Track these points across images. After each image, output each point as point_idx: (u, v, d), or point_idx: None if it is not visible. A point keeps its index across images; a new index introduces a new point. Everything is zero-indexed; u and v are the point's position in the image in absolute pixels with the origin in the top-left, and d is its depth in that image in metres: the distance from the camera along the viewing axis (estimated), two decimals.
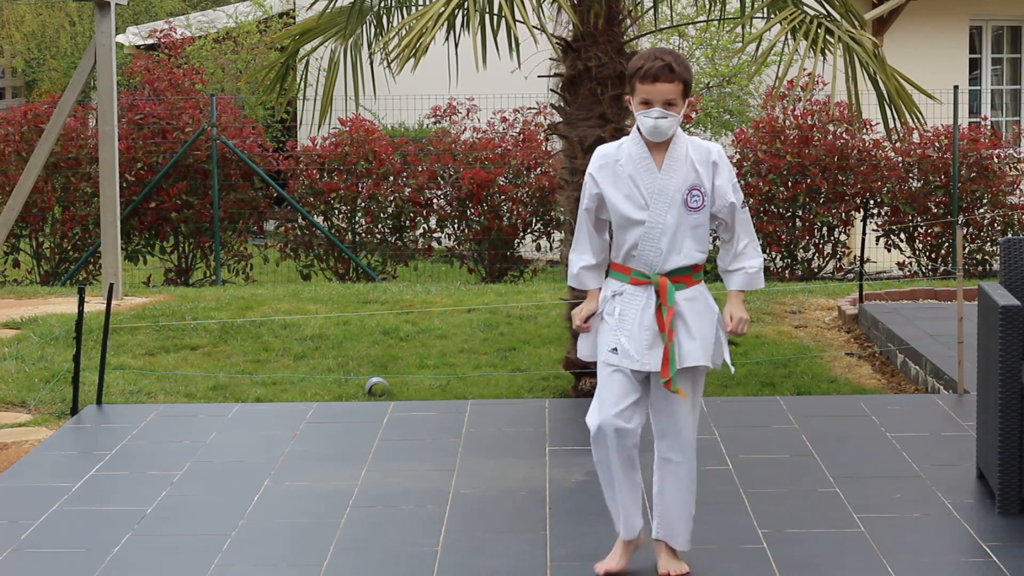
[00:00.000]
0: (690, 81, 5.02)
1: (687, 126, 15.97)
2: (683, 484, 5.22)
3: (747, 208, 5.17)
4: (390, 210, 14.80)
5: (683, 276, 5.10)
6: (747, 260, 5.16)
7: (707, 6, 9.05)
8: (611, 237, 5.21)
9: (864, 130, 13.97)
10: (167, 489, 6.44)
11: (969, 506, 6.02)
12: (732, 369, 5.30)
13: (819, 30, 7.76)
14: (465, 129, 15.17)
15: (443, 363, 9.43)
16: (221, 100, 15.36)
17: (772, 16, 8.34)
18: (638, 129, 5.06)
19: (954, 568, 5.36)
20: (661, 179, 5.04)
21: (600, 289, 5.22)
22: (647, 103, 4.99)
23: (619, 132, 8.19)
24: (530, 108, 14.42)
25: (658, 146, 5.06)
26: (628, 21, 8.54)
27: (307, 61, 8.99)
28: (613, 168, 5.10)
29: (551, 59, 8.35)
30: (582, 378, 8.36)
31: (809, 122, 14.49)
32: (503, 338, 10.11)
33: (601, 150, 5.16)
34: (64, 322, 10.26)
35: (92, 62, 11.79)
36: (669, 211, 5.04)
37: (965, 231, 14.45)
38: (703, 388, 5.26)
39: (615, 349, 5.09)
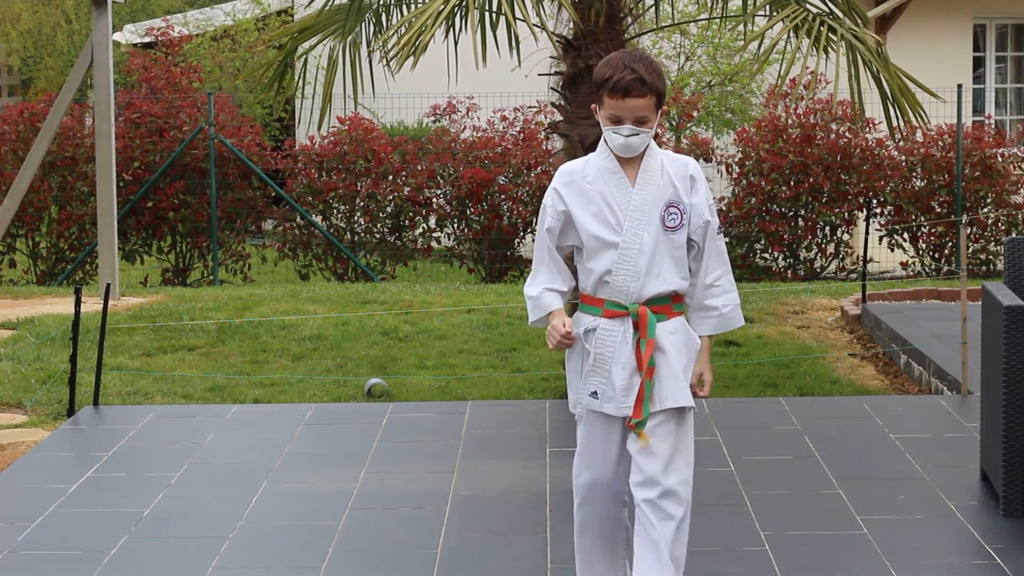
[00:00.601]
0: (664, 91, 4.51)
1: (689, 125, 15.92)
2: (670, 537, 4.52)
3: (723, 235, 4.62)
4: (389, 209, 14.77)
5: (663, 306, 4.53)
6: (720, 297, 4.59)
7: (709, 4, 9.01)
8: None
9: (867, 129, 13.93)
10: (164, 491, 6.40)
11: (973, 508, 5.98)
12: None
13: (822, 28, 7.72)
14: (465, 128, 15.13)
15: (443, 364, 9.39)
16: (219, 99, 15.32)
17: (774, 14, 8.30)
18: (606, 142, 4.57)
19: (957, 570, 5.32)
20: (636, 195, 4.51)
21: (562, 309, 4.61)
22: (616, 119, 4.48)
23: None
24: (530, 107, 14.38)
25: (630, 159, 4.55)
26: (629, 19, 8.49)
27: (305, 59, 8.95)
28: (580, 185, 4.55)
29: (552, 57, 8.31)
30: None
31: (812, 121, 14.46)
32: (503, 338, 10.07)
33: (566, 167, 4.64)
34: (61, 322, 10.22)
35: (89, 60, 11.75)
36: (646, 230, 4.50)
37: (969, 231, 14.41)
38: (692, 434, 4.60)
39: (595, 392, 4.55)
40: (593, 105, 4.58)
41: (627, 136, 4.48)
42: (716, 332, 4.61)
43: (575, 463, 4.71)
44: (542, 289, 4.61)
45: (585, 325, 4.58)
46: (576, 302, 4.67)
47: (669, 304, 4.55)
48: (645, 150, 4.55)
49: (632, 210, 4.51)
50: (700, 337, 4.61)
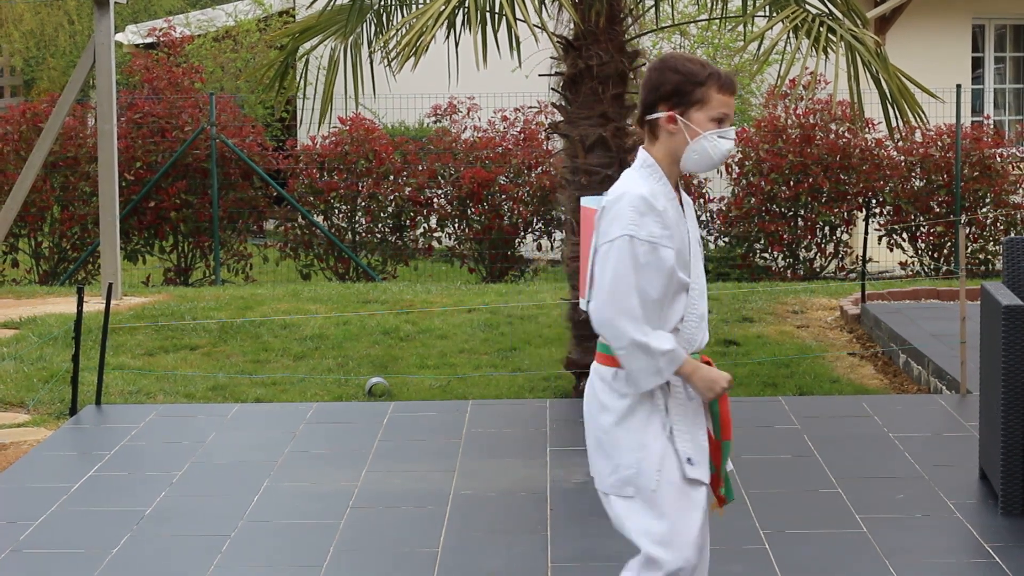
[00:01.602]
0: None
1: None
2: None
3: None
4: (390, 209, 14.78)
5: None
6: None
7: (708, 4, 9.02)
8: None
9: (866, 129, 13.94)
10: (166, 490, 6.42)
11: (972, 507, 6.00)
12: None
13: (821, 29, 7.74)
14: (466, 128, 15.15)
15: (443, 363, 9.41)
16: (220, 99, 15.33)
17: (774, 15, 8.32)
18: (648, 161, 3.89)
19: (956, 569, 5.34)
20: (692, 227, 3.93)
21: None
22: (722, 119, 3.84)
23: (620, 131, 8.17)
24: (531, 107, 14.39)
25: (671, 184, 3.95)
26: (629, 20, 8.51)
27: (307, 59, 8.97)
28: (658, 213, 3.84)
29: (552, 58, 8.33)
30: (582, 378, 8.32)
31: (811, 121, 14.46)
32: (504, 338, 10.08)
33: (638, 188, 3.86)
34: (63, 322, 10.24)
35: (91, 61, 11.77)
36: (702, 267, 3.97)
37: (968, 230, 14.41)
38: None
39: (690, 459, 3.91)
40: (671, 113, 3.87)
41: (731, 139, 3.89)
42: None
43: (654, 553, 3.89)
44: (673, 343, 3.85)
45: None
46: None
47: None
48: None
49: (693, 243, 3.93)
50: None
